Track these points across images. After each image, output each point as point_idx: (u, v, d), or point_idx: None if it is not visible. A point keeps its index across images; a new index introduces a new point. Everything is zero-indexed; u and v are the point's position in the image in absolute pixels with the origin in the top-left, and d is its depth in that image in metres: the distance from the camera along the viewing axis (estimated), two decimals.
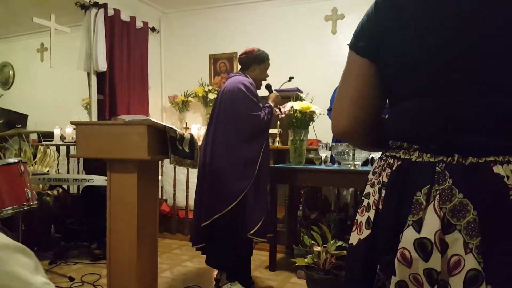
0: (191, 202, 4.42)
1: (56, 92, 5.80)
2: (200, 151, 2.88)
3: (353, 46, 0.96)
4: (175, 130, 2.47)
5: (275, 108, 3.01)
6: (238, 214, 2.77)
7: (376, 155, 3.04)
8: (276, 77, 3.22)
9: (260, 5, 5.11)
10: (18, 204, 2.63)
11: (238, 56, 3.06)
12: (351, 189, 4.12)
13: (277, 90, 3.22)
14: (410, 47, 0.85)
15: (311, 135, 3.38)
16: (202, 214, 2.85)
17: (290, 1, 4.99)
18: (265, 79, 3.04)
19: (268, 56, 3.04)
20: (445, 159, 0.80)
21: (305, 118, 3.17)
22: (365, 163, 3.17)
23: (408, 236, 0.78)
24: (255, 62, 2.97)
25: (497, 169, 0.76)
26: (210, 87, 5.23)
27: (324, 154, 3.21)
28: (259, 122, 2.81)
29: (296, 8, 4.97)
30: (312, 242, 3.06)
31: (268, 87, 3.12)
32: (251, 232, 2.77)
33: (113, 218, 2.32)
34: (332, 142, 3.39)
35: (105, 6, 4.45)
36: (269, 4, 5.08)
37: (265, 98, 3.04)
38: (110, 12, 4.53)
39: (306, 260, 2.91)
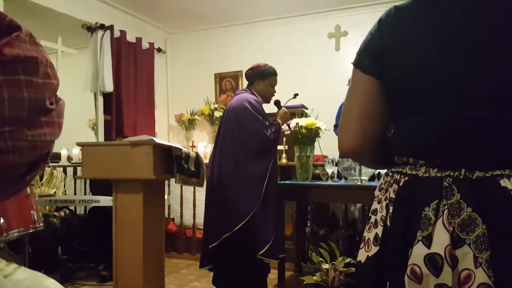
0: (198, 220, 4.39)
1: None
2: (207, 169, 2.85)
3: (357, 64, 0.96)
4: (181, 149, 2.47)
5: (284, 125, 2.99)
6: (247, 234, 2.71)
7: (383, 170, 3.02)
8: (281, 94, 3.23)
9: (265, 24, 5.17)
10: (25, 226, 2.63)
11: (245, 73, 3.09)
12: (358, 205, 4.08)
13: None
14: (413, 64, 0.86)
15: (316, 151, 3.37)
16: (210, 234, 2.81)
17: (294, 19, 5.04)
18: (272, 94, 3.02)
19: (275, 71, 3.02)
20: (452, 174, 0.79)
21: (311, 134, 3.17)
22: (372, 178, 3.14)
23: (418, 252, 0.78)
24: (258, 77, 2.97)
25: (504, 182, 0.75)
26: (216, 105, 5.26)
27: (330, 169, 3.19)
28: (265, 140, 2.79)
29: (300, 26, 5.02)
30: (320, 259, 3.02)
31: (277, 103, 3.10)
32: (261, 252, 2.70)
33: (119, 238, 2.31)
34: (339, 157, 3.37)
35: (111, 28, 4.52)
36: (273, 23, 5.14)
37: (274, 115, 3.03)
38: (116, 34, 4.60)
39: (314, 278, 2.87)
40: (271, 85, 3.00)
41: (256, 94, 2.94)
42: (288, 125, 3.08)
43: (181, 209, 4.59)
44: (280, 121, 2.97)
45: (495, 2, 0.80)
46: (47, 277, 0.52)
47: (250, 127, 2.78)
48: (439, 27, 0.84)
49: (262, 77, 2.97)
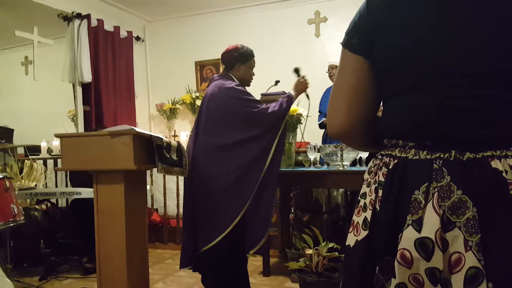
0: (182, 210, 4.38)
1: (41, 105, 5.73)
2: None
3: (346, 43, 0.94)
4: (162, 138, 2.44)
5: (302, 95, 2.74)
6: (238, 232, 2.56)
7: (364, 154, 3.04)
8: (262, 81, 3.21)
9: (244, 10, 5.12)
10: (4, 220, 2.57)
11: (221, 55, 2.79)
12: (341, 190, 4.12)
13: (263, 94, 3.03)
14: (402, 42, 0.84)
15: (298, 138, 3.38)
16: (200, 235, 2.60)
17: (273, 5, 5.00)
18: (251, 79, 2.80)
19: (253, 52, 2.79)
20: (442, 156, 0.78)
21: (293, 121, 3.16)
22: (353, 163, 3.17)
23: (408, 236, 0.77)
24: (239, 61, 2.70)
25: (495, 164, 0.74)
26: (198, 94, 5.21)
27: (313, 156, 3.21)
28: (264, 115, 2.56)
29: (280, 12, 4.99)
30: (304, 245, 3.04)
31: (296, 70, 2.84)
32: (252, 251, 2.58)
33: (101, 230, 2.28)
34: (322, 142, 3.39)
35: (88, 17, 4.42)
36: (252, 9, 5.09)
37: (277, 94, 2.83)
38: (94, 23, 4.50)
39: (298, 263, 2.89)
40: (252, 67, 2.77)
41: (235, 79, 2.69)
42: (307, 95, 2.89)
43: (165, 199, 4.56)
44: (294, 93, 2.71)
45: None
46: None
47: (242, 109, 2.56)
48: (433, 5, 0.82)
49: (244, 60, 2.71)
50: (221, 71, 5.13)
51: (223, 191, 2.56)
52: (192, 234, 2.66)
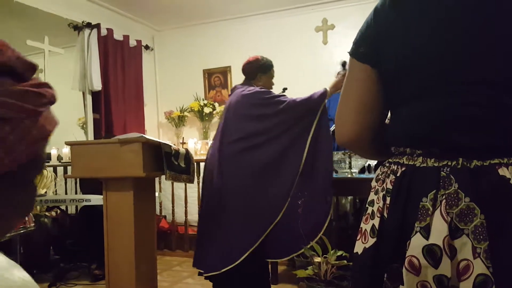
0: (190, 217, 4.39)
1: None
2: (208, 172, 2.63)
3: (353, 53, 0.95)
4: (170, 146, 2.46)
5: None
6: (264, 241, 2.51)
7: (372, 162, 3.03)
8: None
9: (251, 18, 5.16)
10: (15, 227, 2.60)
11: (242, 66, 2.87)
12: (350, 197, 4.10)
13: None
14: (409, 51, 0.85)
15: None
16: (233, 245, 2.49)
17: (281, 13, 5.03)
18: (271, 88, 2.84)
19: (272, 63, 2.86)
20: (449, 163, 0.78)
21: None
22: (362, 171, 3.16)
23: (416, 243, 0.77)
24: (260, 71, 2.79)
25: (503, 171, 0.75)
26: (206, 101, 5.24)
27: None
28: (291, 107, 2.52)
29: (287, 20, 5.01)
30: (312, 252, 3.03)
31: (344, 64, 2.75)
32: (274, 260, 2.57)
33: (110, 237, 2.29)
34: (336, 148, 3.36)
35: (98, 26, 4.47)
36: (260, 17, 5.12)
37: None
38: (103, 32, 4.55)
39: (307, 271, 2.88)
40: (272, 77, 2.85)
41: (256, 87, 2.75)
42: None
43: (173, 206, 4.58)
44: (330, 89, 2.63)
45: None
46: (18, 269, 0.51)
47: (266, 106, 2.55)
48: (437, 13, 0.83)
49: (264, 71, 2.80)
50: (228, 79, 5.24)
51: (250, 197, 2.51)
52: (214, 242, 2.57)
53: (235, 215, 2.52)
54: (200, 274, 2.67)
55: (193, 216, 4.36)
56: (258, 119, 2.58)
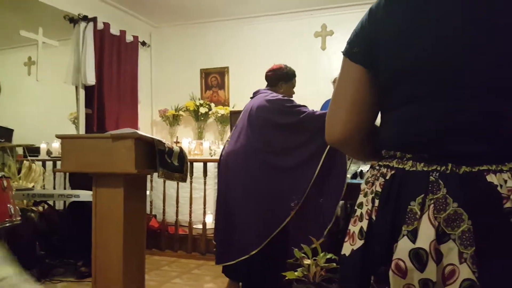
0: (181, 217, 4.36)
1: (43, 106, 5.74)
2: (225, 176, 2.76)
3: (347, 52, 0.95)
4: (164, 143, 2.44)
5: None
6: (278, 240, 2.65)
7: (365, 167, 3.03)
8: None
9: (251, 20, 5.16)
10: (0, 220, 2.56)
11: (265, 73, 2.98)
12: (341, 202, 4.10)
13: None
14: (403, 54, 0.85)
15: None
16: (253, 235, 2.66)
17: (280, 16, 5.04)
18: (291, 96, 2.95)
19: (295, 72, 2.96)
20: (438, 168, 0.79)
21: None
22: (354, 176, 3.16)
23: (403, 247, 0.77)
24: (282, 80, 2.90)
25: (491, 178, 0.75)
26: (202, 101, 5.23)
27: None
28: (310, 119, 2.64)
29: (287, 24, 5.02)
30: (302, 255, 3.02)
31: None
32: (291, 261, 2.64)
33: (99, 234, 2.27)
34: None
35: (94, 20, 4.45)
36: (260, 20, 5.13)
37: None
38: (100, 26, 4.53)
39: (296, 273, 2.87)
40: (293, 86, 2.96)
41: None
42: None
43: (164, 206, 4.55)
44: None
45: None
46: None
47: (287, 115, 2.67)
48: (434, 16, 0.83)
49: (286, 80, 2.91)
50: (225, 80, 5.24)
51: (263, 200, 2.64)
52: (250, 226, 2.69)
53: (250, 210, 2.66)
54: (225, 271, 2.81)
55: (184, 216, 4.33)
56: (279, 126, 2.70)
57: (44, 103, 5.74)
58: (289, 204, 2.64)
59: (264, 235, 2.64)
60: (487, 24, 0.78)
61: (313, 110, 2.72)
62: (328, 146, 2.60)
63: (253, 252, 2.63)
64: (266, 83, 3.01)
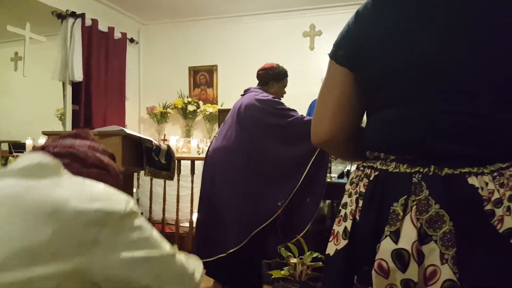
0: (168, 215, 4.34)
1: (29, 102, 5.66)
2: (210, 172, 2.75)
3: (333, 55, 0.96)
4: (151, 141, 2.43)
5: None
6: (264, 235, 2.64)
7: (352, 167, 3.06)
8: None
9: (241, 19, 5.16)
10: None
11: (257, 71, 2.97)
12: (328, 201, 4.13)
13: None
14: (389, 57, 0.86)
15: None
16: (233, 234, 2.66)
17: (269, 16, 5.04)
18: (282, 96, 2.95)
19: (287, 72, 2.96)
20: (421, 170, 0.80)
21: None
22: (341, 176, 3.19)
23: (386, 247, 0.78)
24: (273, 79, 2.89)
25: (472, 180, 0.76)
26: (190, 99, 5.21)
27: None
28: (298, 124, 2.63)
29: (276, 23, 5.03)
30: (289, 253, 3.04)
31: None
32: (269, 261, 2.66)
33: None
34: None
35: (82, 16, 4.40)
36: (249, 18, 5.13)
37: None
38: (88, 22, 4.48)
39: (282, 272, 2.89)
40: (284, 86, 2.96)
41: (269, 94, 2.86)
42: None
43: (150, 204, 4.53)
44: None
45: None
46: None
47: (276, 118, 2.67)
48: (421, 20, 0.84)
49: (277, 79, 2.90)
50: (214, 78, 5.23)
51: (248, 197, 2.64)
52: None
53: (232, 209, 2.65)
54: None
55: (171, 214, 4.32)
56: (267, 127, 2.68)
57: (31, 99, 5.67)
58: (276, 203, 2.65)
59: (245, 233, 2.63)
60: (473, 30, 0.80)
61: (302, 115, 2.72)
62: (318, 150, 2.63)
63: (232, 250, 2.60)
64: (254, 81, 3.01)
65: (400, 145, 0.85)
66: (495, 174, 0.77)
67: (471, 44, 0.80)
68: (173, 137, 4.95)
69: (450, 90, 0.81)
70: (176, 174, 4.11)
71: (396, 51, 0.85)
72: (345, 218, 0.91)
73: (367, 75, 0.91)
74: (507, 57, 0.78)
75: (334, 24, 4.63)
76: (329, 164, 3.06)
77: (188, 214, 4.27)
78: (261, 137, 2.68)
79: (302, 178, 2.64)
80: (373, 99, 0.92)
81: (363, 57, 0.90)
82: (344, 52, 0.93)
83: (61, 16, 4.35)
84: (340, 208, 0.95)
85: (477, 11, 0.80)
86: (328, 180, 3.07)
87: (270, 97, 2.77)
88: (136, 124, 5.49)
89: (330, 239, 0.94)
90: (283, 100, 2.91)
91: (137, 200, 4.62)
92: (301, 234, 2.70)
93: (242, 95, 2.95)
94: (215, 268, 2.71)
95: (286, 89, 3.04)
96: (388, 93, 0.88)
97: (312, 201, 2.71)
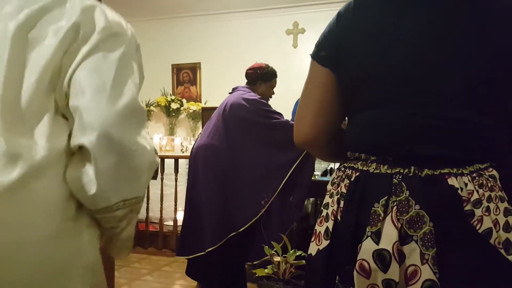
0: (152, 214, 4.32)
1: None
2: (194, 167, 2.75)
3: (315, 55, 0.96)
4: None
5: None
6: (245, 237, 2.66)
7: (335, 165, 3.09)
8: None
9: (224, 16, 5.14)
10: None
11: (245, 70, 3.00)
12: (311, 199, 4.16)
13: None
14: (370, 59, 0.87)
15: None
16: (212, 233, 2.65)
17: (253, 13, 5.03)
18: (270, 97, 2.97)
19: (276, 72, 2.99)
20: (401, 171, 0.81)
21: None
22: (324, 174, 3.22)
23: (367, 247, 0.79)
24: (261, 79, 2.90)
25: (452, 181, 0.77)
26: (173, 97, 5.18)
27: None
28: (284, 128, 2.64)
29: (259, 20, 5.02)
30: (273, 252, 3.06)
31: None
32: (255, 263, 2.67)
33: None
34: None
35: None
36: (233, 16, 5.11)
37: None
38: None
39: (266, 270, 2.90)
40: (272, 86, 2.97)
41: (256, 94, 2.88)
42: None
43: None
44: None
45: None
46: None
47: (262, 119, 2.69)
48: (402, 23, 0.84)
49: (265, 79, 2.91)
50: (197, 75, 5.20)
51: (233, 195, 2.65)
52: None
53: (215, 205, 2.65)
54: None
55: (155, 213, 4.30)
56: (252, 127, 2.71)
57: None
58: (259, 202, 2.66)
59: (225, 232, 2.63)
60: (452, 34, 0.81)
61: (287, 120, 2.76)
62: (303, 154, 2.66)
63: (210, 249, 2.60)
64: (238, 79, 3.02)
65: (380, 146, 0.86)
66: (474, 175, 0.78)
67: (449, 48, 0.81)
68: (156, 135, 4.91)
69: (427, 92, 0.82)
70: (159, 172, 4.09)
71: (375, 54, 0.86)
72: (326, 219, 0.91)
73: (347, 76, 0.91)
74: (484, 60, 0.80)
75: (317, 22, 4.65)
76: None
77: (172, 213, 4.25)
78: (245, 136, 2.70)
79: (285, 178, 2.66)
80: (354, 100, 0.93)
81: (344, 58, 0.91)
82: (326, 53, 0.94)
83: None
84: (321, 208, 0.95)
85: (455, 16, 0.81)
86: (312, 178, 3.10)
87: (257, 97, 2.79)
88: None
89: (312, 239, 0.95)
90: (271, 100, 2.93)
91: None
92: (285, 233, 2.72)
93: (230, 93, 2.95)
94: (198, 269, 2.72)
95: None
96: (368, 95, 0.89)
97: (296, 201, 2.74)
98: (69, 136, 0.76)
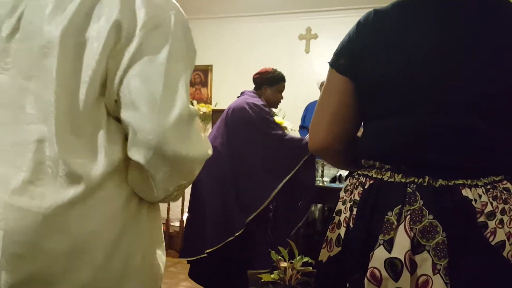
0: None
1: None
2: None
3: (333, 64, 0.97)
4: None
5: None
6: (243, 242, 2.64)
7: (344, 172, 3.07)
8: None
9: (237, 20, 5.15)
10: None
11: (252, 76, 2.99)
12: (319, 205, 4.15)
13: None
14: (388, 67, 0.87)
15: None
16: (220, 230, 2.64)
17: (266, 17, 5.05)
18: (279, 101, 2.96)
19: (283, 77, 2.96)
20: (416, 180, 0.81)
21: None
22: (333, 180, 3.20)
23: (379, 256, 0.79)
24: (266, 83, 2.88)
25: (466, 192, 0.77)
26: None
27: None
28: (278, 140, 2.67)
29: (272, 25, 5.03)
30: (279, 257, 3.04)
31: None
32: (257, 272, 2.64)
33: None
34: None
35: None
36: (245, 20, 5.13)
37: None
38: None
39: (272, 276, 2.89)
40: (279, 91, 2.94)
41: (262, 99, 2.86)
42: None
43: None
44: None
45: (478, 12, 0.82)
46: None
47: (261, 126, 2.68)
48: (420, 34, 0.85)
49: (270, 84, 2.89)
50: (209, 77, 5.22)
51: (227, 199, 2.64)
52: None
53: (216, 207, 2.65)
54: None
55: (162, 213, 4.30)
56: (253, 131, 2.69)
57: None
58: (268, 206, 2.66)
59: (224, 236, 2.61)
60: (467, 43, 0.81)
61: (284, 132, 2.76)
62: (308, 155, 2.66)
63: (208, 251, 2.59)
64: (249, 82, 3.02)
65: (395, 154, 0.86)
66: (488, 187, 0.78)
67: (466, 57, 0.81)
68: None
69: (445, 102, 0.82)
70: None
71: (393, 63, 0.87)
72: (338, 225, 0.91)
73: (366, 85, 0.92)
74: (500, 69, 0.80)
75: (330, 28, 4.67)
76: (320, 169, 3.08)
77: (178, 214, 4.26)
78: (245, 140, 2.69)
79: (279, 187, 2.66)
80: (371, 109, 0.93)
81: (362, 67, 0.91)
82: (344, 61, 0.94)
83: None
84: (334, 215, 0.95)
85: (470, 25, 0.82)
86: (320, 184, 3.08)
87: (260, 103, 2.78)
88: None
89: (323, 246, 0.94)
90: (280, 104, 2.93)
91: None
92: (290, 235, 2.73)
93: (238, 97, 2.97)
94: (200, 272, 2.73)
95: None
96: (387, 104, 0.89)
97: (305, 205, 2.80)
98: (126, 138, 0.77)
